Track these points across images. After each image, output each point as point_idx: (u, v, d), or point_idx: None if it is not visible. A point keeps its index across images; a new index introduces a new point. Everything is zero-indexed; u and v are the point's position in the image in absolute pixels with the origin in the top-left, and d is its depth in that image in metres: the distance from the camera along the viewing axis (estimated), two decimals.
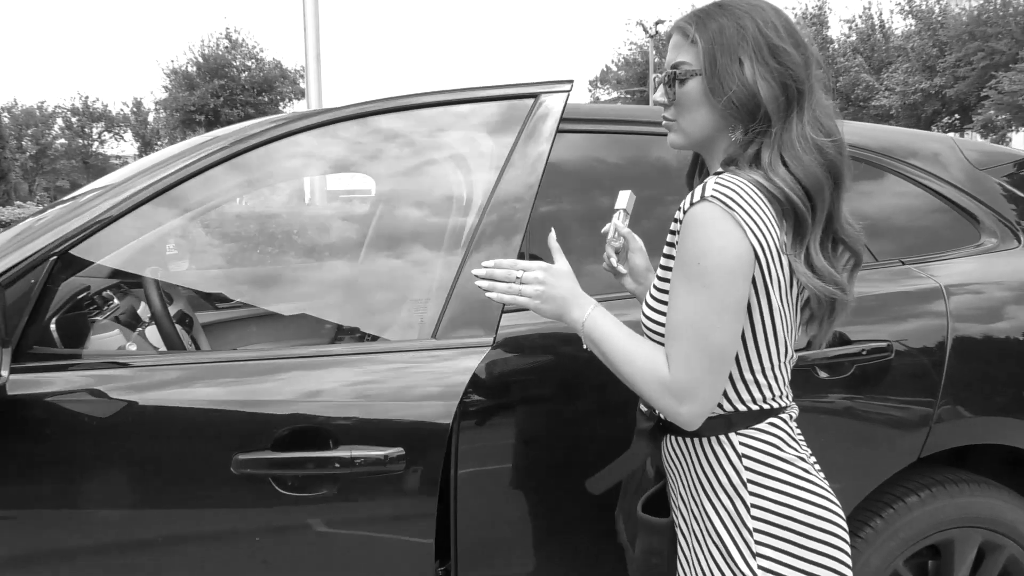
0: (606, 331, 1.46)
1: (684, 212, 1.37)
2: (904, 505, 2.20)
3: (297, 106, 34.70)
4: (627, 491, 1.76)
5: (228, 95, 32.85)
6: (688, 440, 1.51)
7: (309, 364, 1.81)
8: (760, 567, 1.41)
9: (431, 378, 1.82)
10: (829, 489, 1.47)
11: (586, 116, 2.19)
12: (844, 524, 1.46)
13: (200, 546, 1.72)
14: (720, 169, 1.45)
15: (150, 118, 41.48)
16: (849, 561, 1.44)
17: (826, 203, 1.42)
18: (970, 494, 2.25)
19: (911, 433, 2.15)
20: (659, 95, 1.49)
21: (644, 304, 1.51)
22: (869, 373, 2.11)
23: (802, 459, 1.47)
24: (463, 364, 1.80)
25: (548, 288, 1.49)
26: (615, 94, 42.84)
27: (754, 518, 1.43)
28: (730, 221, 1.33)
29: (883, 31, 34.40)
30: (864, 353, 2.10)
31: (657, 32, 35.19)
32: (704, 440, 1.48)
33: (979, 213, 2.45)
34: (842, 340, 2.10)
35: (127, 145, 42.89)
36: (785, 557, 1.41)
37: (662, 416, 1.53)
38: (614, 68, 42.63)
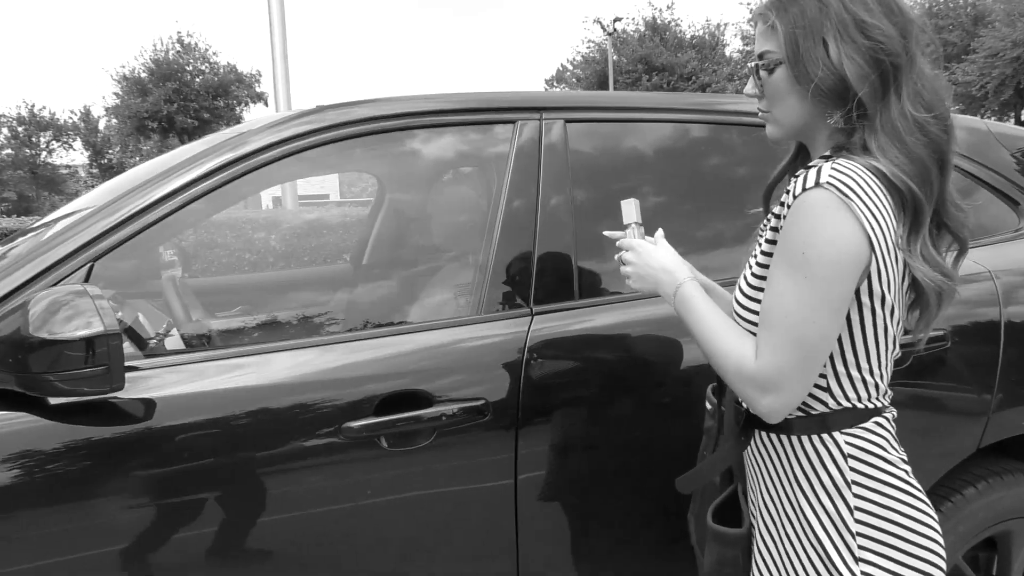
0: (694, 306, 1.44)
1: (794, 197, 1.30)
2: (963, 498, 2.15)
3: (255, 111, 34.21)
4: (695, 495, 1.68)
5: (182, 101, 32.24)
6: (784, 437, 1.43)
7: (391, 340, 1.81)
8: (863, 572, 1.34)
9: (494, 339, 1.84)
10: (926, 495, 1.41)
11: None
12: (941, 533, 1.39)
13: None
14: (828, 155, 1.37)
15: (100, 125, 40.59)
16: (945, 569, 1.38)
17: (935, 189, 1.34)
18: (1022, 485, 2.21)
19: (970, 423, 2.11)
20: (750, 87, 1.43)
21: (737, 290, 1.45)
22: (926, 364, 2.06)
23: (905, 462, 1.41)
24: (516, 328, 1.84)
25: (637, 268, 1.52)
26: None
27: (858, 521, 1.35)
28: (845, 212, 1.25)
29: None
30: (933, 342, 2.04)
31: (615, 30, 35.35)
32: (804, 438, 1.40)
33: (1019, 197, 2.41)
34: None
35: (76, 154, 41.95)
36: (887, 563, 1.34)
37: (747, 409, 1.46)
38: (570, 67, 42.77)
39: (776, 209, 1.38)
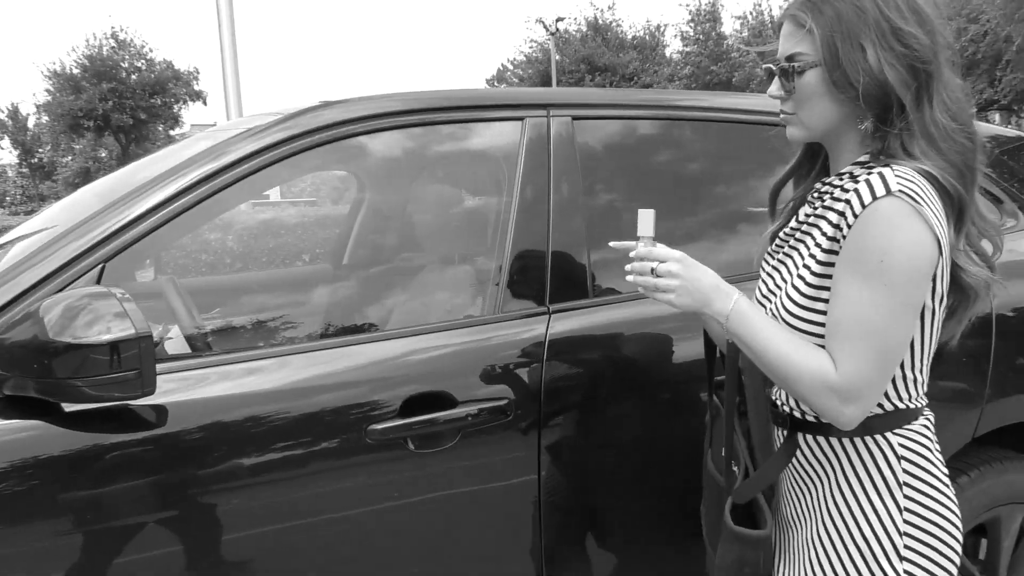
0: (756, 326, 1.37)
1: (863, 205, 1.29)
2: (958, 486, 2.20)
3: (194, 109, 33.51)
4: (709, 497, 1.68)
5: (117, 98, 31.39)
6: (835, 440, 1.43)
7: (411, 342, 1.79)
8: (905, 571, 1.37)
9: (512, 338, 1.83)
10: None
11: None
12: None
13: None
14: (866, 160, 1.38)
15: (30, 123, 39.33)
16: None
17: (968, 194, 1.36)
18: (1015, 471, 2.28)
19: (967, 413, 2.17)
20: (775, 88, 1.41)
21: (786, 299, 1.42)
22: None
23: (944, 463, 1.45)
24: (535, 327, 1.84)
25: (684, 281, 1.39)
26: None
27: (906, 522, 1.37)
28: (919, 219, 1.27)
29: (773, 27, 35.60)
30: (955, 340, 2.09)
31: (557, 30, 35.52)
32: (858, 439, 1.41)
33: (1000, 195, 2.49)
34: None
35: (4, 152, 40.56)
36: (927, 563, 1.38)
37: (808, 415, 1.45)
38: (511, 67, 42.88)
39: (832, 217, 1.35)
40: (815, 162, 1.54)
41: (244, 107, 9.04)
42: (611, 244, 1.54)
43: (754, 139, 2.19)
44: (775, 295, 1.47)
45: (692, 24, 36.86)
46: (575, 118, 2.02)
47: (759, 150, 2.17)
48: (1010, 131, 2.79)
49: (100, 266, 1.58)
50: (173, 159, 1.81)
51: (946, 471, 1.43)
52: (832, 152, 1.46)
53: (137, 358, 1.33)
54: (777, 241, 1.54)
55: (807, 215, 1.46)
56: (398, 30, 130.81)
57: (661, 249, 1.41)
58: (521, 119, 1.98)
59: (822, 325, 1.35)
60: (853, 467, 1.42)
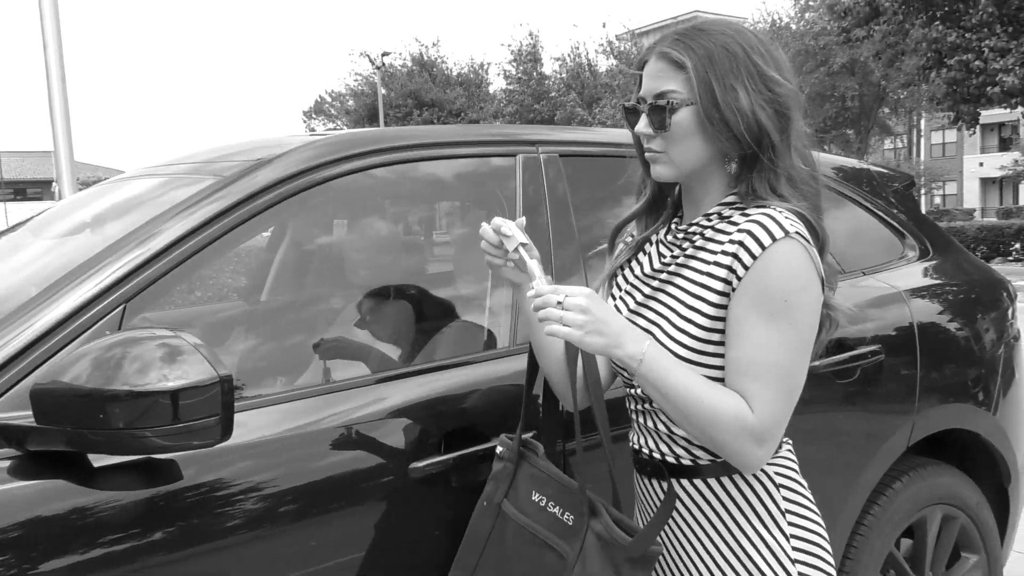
0: (668, 367, 1.32)
1: (762, 247, 1.30)
2: (893, 491, 2.42)
3: None
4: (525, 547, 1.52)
5: None
6: (712, 480, 1.44)
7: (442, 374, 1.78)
8: None
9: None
10: None
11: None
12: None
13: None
14: (732, 200, 1.40)
15: None
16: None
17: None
18: (935, 475, 2.53)
19: (903, 424, 2.39)
20: (643, 126, 1.40)
21: (671, 342, 1.39)
22: (868, 374, 2.32)
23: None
24: None
25: (594, 318, 1.28)
26: (331, 125, 42.64)
27: (795, 548, 1.42)
28: (809, 259, 1.32)
29: (591, 69, 37.32)
30: (868, 356, 2.30)
31: (383, 64, 35.53)
32: (736, 476, 1.43)
33: (904, 229, 2.78)
34: (841, 346, 2.28)
35: None
36: None
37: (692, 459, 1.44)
38: (328, 99, 42.46)
39: (722, 259, 1.35)
40: (663, 202, 1.56)
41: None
42: (483, 226, 1.47)
43: None
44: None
45: (514, 64, 37.92)
46: (562, 155, 2.09)
47: None
48: (852, 160, 3.09)
49: (122, 307, 1.47)
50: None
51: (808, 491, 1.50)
52: (694, 192, 1.46)
53: (218, 403, 1.25)
54: (630, 281, 1.54)
55: (672, 256, 1.46)
56: (213, 60, 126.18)
57: (567, 287, 1.33)
58: (514, 155, 2.02)
59: (715, 368, 1.36)
60: (736, 504, 1.43)
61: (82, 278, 1.48)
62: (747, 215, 1.36)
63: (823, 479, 2.25)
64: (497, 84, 40.81)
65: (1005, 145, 43.21)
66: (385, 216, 2.30)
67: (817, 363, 2.18)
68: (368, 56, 36.86)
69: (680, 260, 1.43)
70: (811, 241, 1.33)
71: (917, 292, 2.56)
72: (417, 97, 35.52)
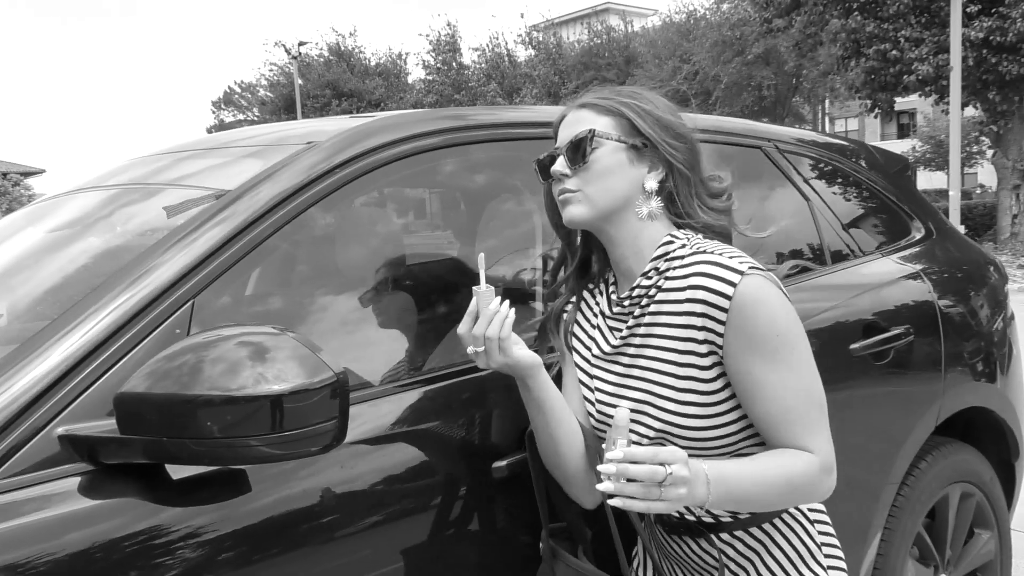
0: (729, 479, 1.24)
1: (728, 297, 1.27)
2: (920, 471, 2.43)
3: None
4: None
5: None
6: (754, 528, 1.41)
7: None
8: None
9: None
10: None
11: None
12: None
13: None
14: (664, 252, 1.37)
15: None
16: None
17: None
18: (954, 454, 2.55)
19: (932, 404, 2.39)
20: (560, 166, 1.38)
21: (679, 415, 1.34)
22: (901, 355, 2.31)
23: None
24: None
25: (688, 493, 1.17)
26: (241, 116, 41.62)
27: None
28: (771, 283, 1.30)
29: (510, 59, 37.30)
30: (900, 336, 2.29)
31: (300, 54, 34.74)
32: (776, 519, 1.42)
33: (909, 210, 2.79)
34: (875, 328, 2.26)
35: None
36: None
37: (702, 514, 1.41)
38: (238, 89, 41.43)
39: (692, 321, 1.31)
40: (586, 266, 1.53)
41: None
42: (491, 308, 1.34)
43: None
44: (644, 416, 1.38)
45: (433, 54, 37.62)
46: None
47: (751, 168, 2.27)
48: (852, 139, 3.07)
49: (190, 302, 1.32)
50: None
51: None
52: (609, 234, 1.41)
53: (335, 405, 1.12)
54: (592, 363, 1.47)
55: (629, 328, 1.40)
56: (120, 50, 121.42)
57: (666, 449, 1.17)
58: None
59: (731, 416, 1.33)
60: (778, 546, 1.42)
61: (146, 269, 1.33)
62: (687, 265, 1.33)
63: (862, 464, 2.24)
64: (416, 74, 40.48)
65: (904, 132, 45.03)
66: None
67: (855, 346, 2.18)
68: (284, 46, 35.99)
69: (641, 331, 1.39)
70: (760, 266, 1.31)
71: (933, 272, 2.57)
72: (335, 87, 34.88)
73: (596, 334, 1.48)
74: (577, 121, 1.39)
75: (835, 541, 1.49)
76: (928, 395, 2.38)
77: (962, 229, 15.98)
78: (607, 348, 1.44)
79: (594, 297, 1.52)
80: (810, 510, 1.45)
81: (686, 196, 1.39)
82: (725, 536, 1.41)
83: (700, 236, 1.40)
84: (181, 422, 1.09)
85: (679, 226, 1.41)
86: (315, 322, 1.75)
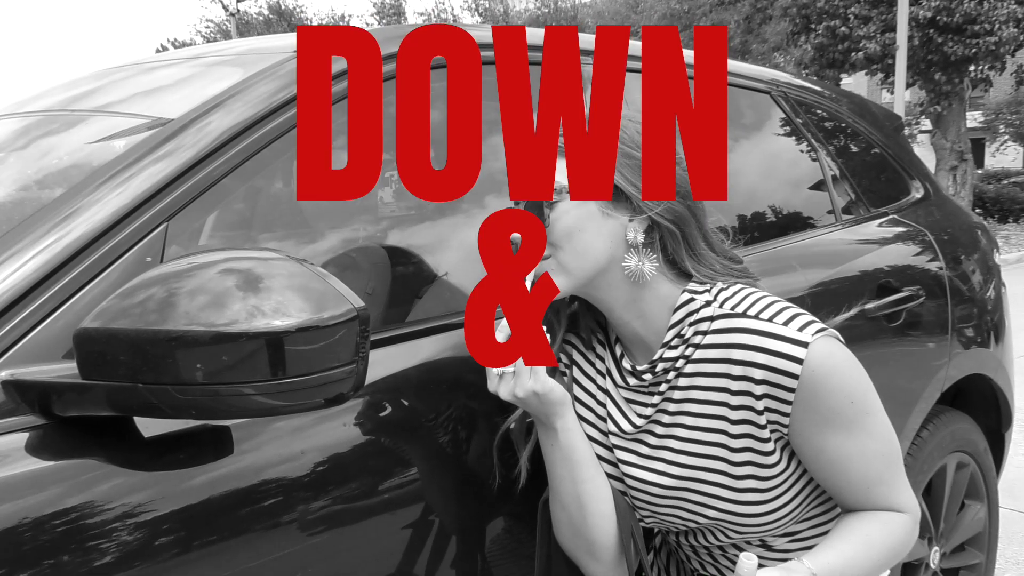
0: (843, 561, 1.12)
1: (795, 376, 1.09)
2: (921, 439, 2.33)
3: None
4: None
5: None
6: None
7: None
8: None
9: None
10: None
11: None
12: None
13: None
14: (682, 316, 1.16)
15: None
16: None
17: None
18: (953, 422, 2.45)
19: (939, 370, 2.28)
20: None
21: (736, 504, 1.18)
22: (912, 317, 2.19)
23: None
24: None
25: None
26: None
27: None
28: (837, 343, 1.13)
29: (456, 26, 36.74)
30: (913, 297, 2.17)
31: (239, 11, 33.58)
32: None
33: (908, 169, 2.68)
34: (888, 288, 2.13)
35: None
36: None
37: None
38: (171, 47, 40.04)
39: (755, 404, 1.13)
40: (560, 326, 1.29)
41: None
42: None
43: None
44: (688, 504, 1.21)
45: (377, 17, 36.81)
46: None
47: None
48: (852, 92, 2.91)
49: (164, 224, 1.10)
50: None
51: None
52: (621, 314, 1.19)
53: (354, 345, 0.91)
54: (616, 444, 1.25)
55: (654, 405, 1.20)
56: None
57: (794, 564, 1.08)
58: None
59: (789, 502, 1.20)
60: None
61: (103, 185, 1.10)
62: (723, 332, 1.13)
63: None
64: None
65: None
66: None
67: (870, 306, 2.04)
68: (222, 2, 34.73)
69: (671, 408, 1.19)
70: (822, 325, 1.13)
71: (937, 234, 2.46)
72: None
73: (611, 407, 1.25)
74: None
75: None
76: (937, 360, 2.28)
77: None
78: (628, 427, 1.23)
79: (586, 357, 1.28)
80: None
81: (684, 250, 1.16)
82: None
83: (720, 283, 1.17)
84: (161, 364, 0.87)
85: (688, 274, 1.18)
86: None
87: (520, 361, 1.08)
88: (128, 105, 1.51)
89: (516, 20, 36.31)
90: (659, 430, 1.20)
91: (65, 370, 0.93)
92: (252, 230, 1.38)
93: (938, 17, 14.33)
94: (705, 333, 1.15)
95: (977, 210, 18.76)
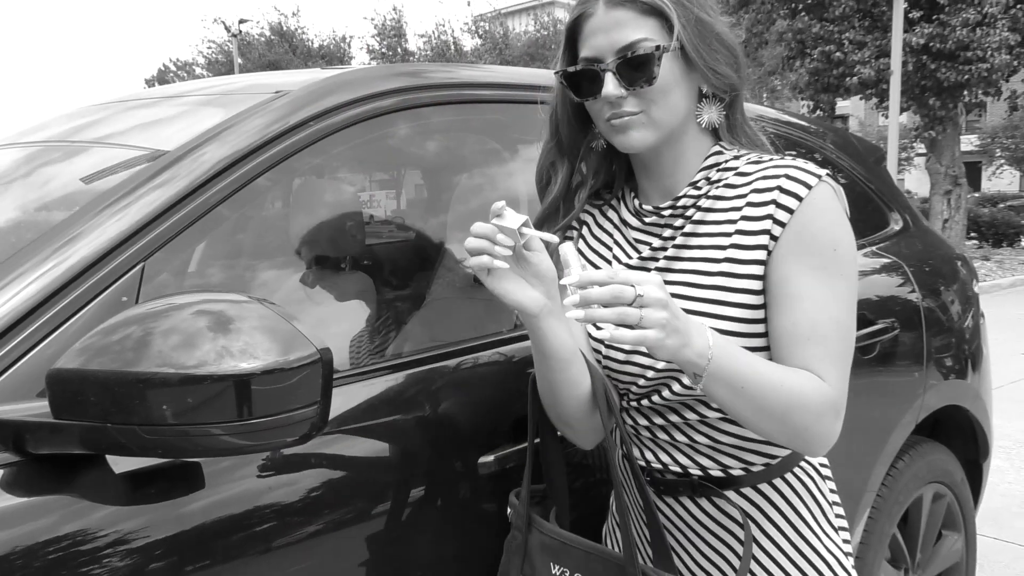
0: (736, 359, 1.08)
1: (799, 198, 1.15)
2: (897, 470, 2.35)
3: None
4: None
5: None
6: (766, 485, 1.28)
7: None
8: None
9: None
10: None
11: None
12: None
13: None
14: (715, 162, 1.24)
15: None
16: None
17: None
18: (929, 453, 2.48)
19: (914, 401, 2.32)
20: (613, 87, 1.16)
21: (722, 320, 1.19)
22: (886, 350, 2.22)
23: None
24: None
25: (672, 315, 1.00)
26: None
27: (844, 541, 1.33)
28: (843, 201, 1.20)
29: (456, 47, 36.97)
30: (887, 330, 2.20)
31: (241, 32, 33.84)
32: (788, 474, 1.29)
33: (888, 200, 2.72)
34: (863, 321, 2.16)
35: None
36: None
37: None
38: (173, 67, 40.29)
39: (753, 225, 1.18)
40: (596, 182, 1.35)
41: None
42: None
43: None
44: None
45: (378, 38, 37.04)
46: None
47: None
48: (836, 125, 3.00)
49: (140, 265, 1.14)
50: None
51: None
52: (662, 159, 1.25)
53: (317, 386, 0.95)
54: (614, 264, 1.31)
55: (665, 239, 1.25)
56: (45, 20, 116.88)
57: (637, 274, 1.02)
58: None
59: (761, 338, 1.20)
60: (791, 506, 1.29)
61: (83, 228, 1.13)
62: (750, 171, 1.21)
63: (845, 463, 2.15)
64: (360, 58, 39.79)
65: None
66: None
67: None
68: (224, 23, 35.01)
69: (678, 241, 1.24)
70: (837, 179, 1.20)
71: (914, 266, 2.50)
72: (276, 68, 34.05)
73: (616, 249, 1.31)
74: (617, 25, 1.15)
75: (839, 499, 1.36)
76: (911, 392, 2.31)
77: None
78: (631, 261, 1.28)
79: (604, 214, 1.36)
80: (821, 465, 1.33)
81: (733, 120, 1.27)
82: (732, 494, 1.26)
83: (746, 149, 1.26)
84: (130, 405, 0.91)
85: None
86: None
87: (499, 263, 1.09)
88: (125, 137, 1.56)
89: (515, 42, 36.58)
90: (661, 262, 1.25)
91: (38, 409, 0.96)
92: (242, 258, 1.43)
93: (931, 43, 14.45)
94: (730, 176, 1.23)
95: (972, 234, 18.84)
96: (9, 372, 1.01)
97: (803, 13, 15.34)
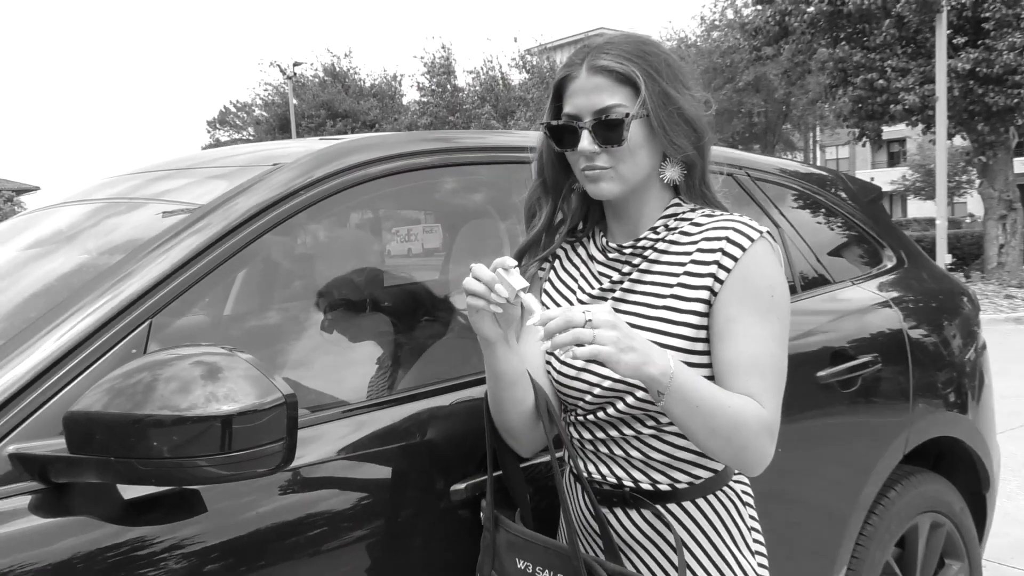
0: (694, 380, 1.25)
1: (743, 248, 1.34)
2: (888, 500, 2.44)
3: None
4: None
5: None
6: (689, 503, 1.42)
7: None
8: None
9: None
10: None
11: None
12: None
13: None
14: (675, 211, 1.43)
15: None
16: None
17: None
18: (924, 483, 2.56)
19: (900, 433, 2.40)
20: (588, 143, 1.34)
21: (658, 341, 1.34)
22: (868, 384, 2.33)
23: None
24: None
25: (624, 335, 1.18)
26: (237, 135, 41.76)
27: (759, 565, 1.46)
28: (778, 255, 1.39)
29: (504, 82, 37.50)
30: (868, 365, 2.31)
31: (295, 74, 34.91)
32: (710, 495, 1.43)
33: (881, 239, 2.82)
34: (842, 355, 2.28)
35: None
36: None
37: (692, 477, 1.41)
38: (233, 109, 41.60)
39: (701, 268, 1.36)
40: (571, 221, 1.54)
41: None
42: (476, 266, 1.31)
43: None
44: None
45: (428, 76, 37.78)
46: None
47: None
48: (826, 169, 3.11)
49: (147, 323, 1.33)
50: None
51: None
52: (628, 207, 1.44)
53: (283, 426, 1.13)
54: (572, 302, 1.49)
55: (623, 274, 1.43)
56: (115, 68, 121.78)
57: (588, 305, 1.23)
58: None
59: (701, 367, 1.35)
60: (712, 524, 1.42)
61: (99, 291, 1.34)
62: (702, 223, 1.40)
63: (828, 491, 2.25)
64: (411, 95, 40.60)
65: (894, 160, 45.43)
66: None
67: (822, 373, 2.19)
68: (279, 66, 36.13)
69: (634, 276, 1.43)
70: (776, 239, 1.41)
71: (903, 302, 2.59)
72: (330, 107, 35.02)
73: (580, 280, 1.51)
74: (594, 89, 1.34)
75: (759, 526, 1.49)
76: (895, 424, 2.40)
77: (949, 258, 16.15)
78: (593, 292, 1.47)
79: (575, 249, 1.55)
80: (744, 492, 1.47)
81: (693, 180, 1.43)
82: (660, 508, 1.40)
83: (701, 207, 1.44)
84: (129, 442, 1.10)
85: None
86: (284, 340, 1.76)
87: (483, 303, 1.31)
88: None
89: None
90: (618, 293, 1.43)
91: (59, 445, 1.16)
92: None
93: (977, 68, 14.32)
94: (685, 226, 1.42)
95: None
96: (37, 414, 1.21)
97: (843, 42, 15.33)
